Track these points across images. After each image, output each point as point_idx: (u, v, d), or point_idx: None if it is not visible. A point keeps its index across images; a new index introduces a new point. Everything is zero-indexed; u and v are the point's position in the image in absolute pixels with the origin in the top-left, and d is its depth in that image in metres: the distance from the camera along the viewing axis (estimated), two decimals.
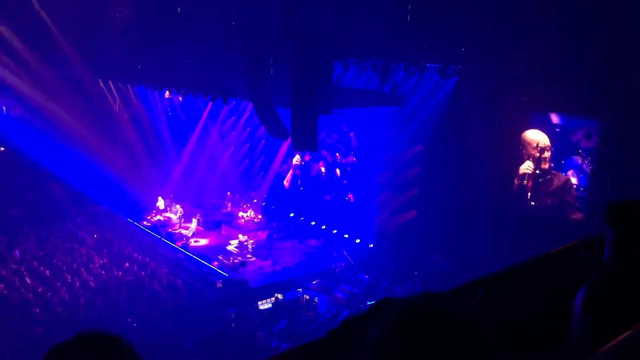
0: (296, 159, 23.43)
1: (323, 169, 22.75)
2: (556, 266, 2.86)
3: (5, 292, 16.17)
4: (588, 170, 15.55)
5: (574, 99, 14.55)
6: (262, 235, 21.83)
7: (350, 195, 21.76)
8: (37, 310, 15.49)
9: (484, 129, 16.20)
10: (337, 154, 22.17)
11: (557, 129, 16.21)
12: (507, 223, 16.45)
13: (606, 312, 1.73)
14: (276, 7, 14.31)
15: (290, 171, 24.19)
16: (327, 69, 14.85)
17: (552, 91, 14.90)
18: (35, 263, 18.00)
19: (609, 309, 1.74)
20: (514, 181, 17.03)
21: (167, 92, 23.97)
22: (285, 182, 24.52)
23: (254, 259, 19.83)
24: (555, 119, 16.26)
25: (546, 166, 16.33)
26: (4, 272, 17.21)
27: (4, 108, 23.29)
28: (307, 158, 23.25)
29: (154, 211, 23.79)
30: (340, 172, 22.19)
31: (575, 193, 15.87)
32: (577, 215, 15.82)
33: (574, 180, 15.80)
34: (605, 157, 14.93)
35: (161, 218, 23.38)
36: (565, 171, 16.00)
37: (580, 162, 15.68)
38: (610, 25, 12.74)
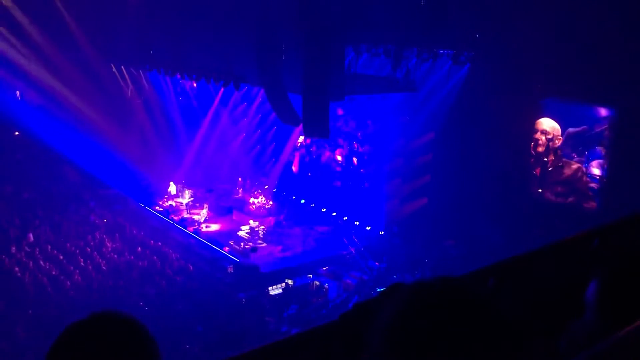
0: (301, 140, 23.44)
1: (339, 158, 22.63)
2: (569, 255, 2.84)
3: (20, 274, 16.39)
4: (601, 159, 15.37)
5: (589, 87, 14.35)
6: (272, 221, 21.92)
7: (367, 184, 21.74)
8: (51, 293, 15.71)
9: (496, 116, 16.07)
10: (354, 143, 22.02)
11: (570, 118, 16.03)
12: (518, 211, 16.36)
13: (619, 302, 1.72)
14: None
15: (297, 154, 24.26)
16: (339, 55, 14.77)
17: (566, 79, 14.71)
18: (49, 246, 18.22)
19: (622, 299, 1.73)
20: (525, 169, 16.90)
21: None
22: (294, 167, 24.57)
23: (264, 244, 19.93)
24: (568, 107, 16.07)
25: (558, 154, 16.18)
26: (18, 255, 17.45)
27: (18, 93, 23.44)
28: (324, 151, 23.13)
29: (166, 196, 23.91)
30: (357, 161, 22.08)
31: (588, 181, 15.72)
32: (591, 204, 15.69)
33: (596, 171, 15.61)
34: (619, 146, 14.76)
35: (173, 203, 23.50)
36: (581, 160, 15.83)
37: (594, 150, 15.51)
38: (629, 11, 12.52)
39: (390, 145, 20.01)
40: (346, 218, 21.41)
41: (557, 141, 16.17)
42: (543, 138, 16.44)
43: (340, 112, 21.40)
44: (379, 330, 1.11)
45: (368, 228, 20.58)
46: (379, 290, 15.92)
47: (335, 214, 21.94)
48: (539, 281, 2.66)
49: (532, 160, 16.75)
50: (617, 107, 14.75)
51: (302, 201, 23.61)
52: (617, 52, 13.01)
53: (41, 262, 17.17)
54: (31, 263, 17.07)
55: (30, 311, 14.76)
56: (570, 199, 16.05)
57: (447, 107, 17.97)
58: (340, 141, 22.35)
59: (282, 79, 15.45)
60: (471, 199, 16.91)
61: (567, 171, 16.01)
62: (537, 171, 16.66)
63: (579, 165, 15.80)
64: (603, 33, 13.05)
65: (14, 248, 17.71)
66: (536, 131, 16.55)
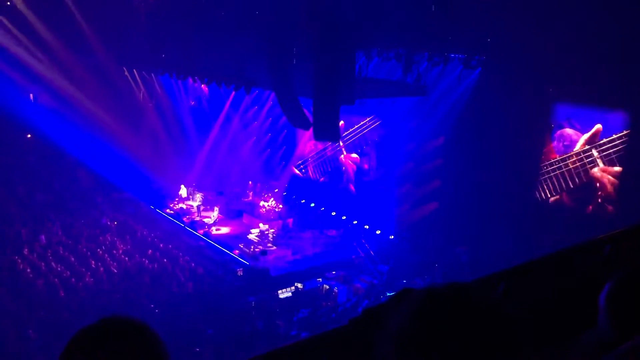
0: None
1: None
2: (580, 261, 2.83)
3: (31, 276, 16.51)
4: (615, 165, 15.24)
5: (601, 91, 14.26)
6: (286, 223, 21.98)
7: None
8: (63, 295, 15.80)
9: (508, 120, 16.00)
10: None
11: (583, 122, 15.92)
12: (530, 216, 16.27)
13: (632, 307, 1.71)
14: None
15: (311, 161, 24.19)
16: (350, 59, 14.77)
17: (578, 83, 14.62)
18: (61, 248, 18.34)
19: (634, 305, 1.72)
20: (537, 173, 16.80)
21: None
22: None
23: (274, 248, 19.97)
24: (581, 111, 15.97)
25: (572, 159, 16.08)
26: (30, 257, 17.58)
27: (32, 95, 23.67)
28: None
29: (177, 199, 24.05)
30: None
31: (602, 187, 15.59)
32: (603, 210, 15.55)
33: (608, 177, 15.48)
34: (634, 151, 14.62)
35: (183, 206, 23.63)
36: (589, 164, 15.70)
37: (607, 156, 15.37)
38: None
39: (401, 150, 19.98)
40: (356, 222, 21.39)
41: (572, 146, 16.07)
42: (558, 143, 16.34)
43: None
44: (390, 336, 1.11)
45: (378, 232, 20.54)
46: (388, 294, 15.90)
47: (345, 217, 21.92)
48: (550, 287, 2.65)
49: (545, 165, 16.65)
50: (632, 111, 14.63)
51: (312, 205, 23.62)
52: (632, 56, 12.90)
53: (53, 264, 17.29)
54: (43, 265, 17.19)
55: (41, 313, 14.85)
56: (583, 204, 15.92)
57: (458, 111, 17.93)
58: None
59: (293, 83, 15.48)
60: (482, 204, 16.83)
61: (581, 177, 15.88)
62: (550, 176, 16.55)
63: (592, 170, 15.67)
64: (617, 36, 12.96)
65: (26, 250, 17.85)
66: (550, 136, 16.46)
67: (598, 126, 15.41)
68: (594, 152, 15.55)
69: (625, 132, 14.83)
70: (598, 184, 15.54)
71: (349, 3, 13.71)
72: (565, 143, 16.23)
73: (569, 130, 16.17)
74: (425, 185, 19.36)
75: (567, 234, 13.95)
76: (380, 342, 1.13)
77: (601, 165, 15.44)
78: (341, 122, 19.29)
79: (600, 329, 1.80)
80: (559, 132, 16.38)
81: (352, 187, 22.77)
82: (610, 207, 15.42)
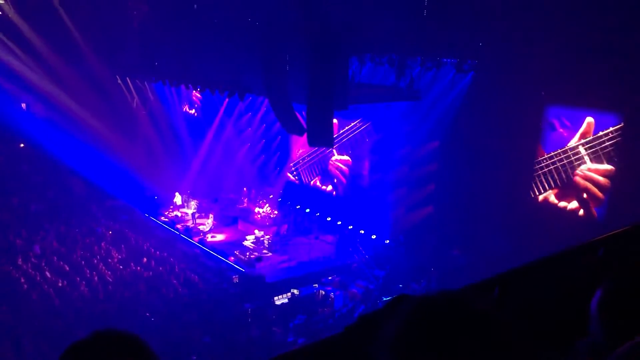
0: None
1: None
2: (574, 264, 2.83)
3: (26, 286, 16.42)
4: (608, 166, 15.30)
5: (593, 94, 14.34)
6: (279, 230, 21.93)
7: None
8: (57, 304, 15.71)
9: (501, 124, 16.06)
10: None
11: (575, 122, 15.98)
12: (525, 219, 16.30)
13: (624, 313, 1.71)
14: (293, 2, 14.32)
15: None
16: (343, 64, 14.82)
17: (571, 85, 14.70)
18: (55, 258, 18.26)
19: (627, 310, 1.71)
20: (531, 176, 16.85)
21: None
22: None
23: (270, 254, 19.92)
24: (573, 114, 16.03)
25: (559, 156, 16.12)
26: (25, 267, 17.49)
27: (24, 105, 23.61)
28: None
29: (171, 207, 24.00)
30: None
31: (596, 190, 15.64)
32: (598, 213, 15.60)
33: (594, 177, 15.54)
34: (624, 153, 14.70)
35: (178, 214, 23.57)
36: (577, 162, 15.75)
37: (599, 157, 15.43)
38: (633, 17, 12.52)
39: (396, 154, 20.00)
40: (351, 227, 21.38)
41: (565, 148, 16.12)
42: (550, 144, 16.40)
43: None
44: (385, 344, 1.11)
45: (373, 237, 20.53)
46: (384, 299, 15.89)
47: (340, 222, 21.91)
48: (545, 290, 2.65)
49: (539, 167, 16.71)
50: (623, 113, 14.71)
51: (307, 210, 23.60)
52: (623, 58, 12.99)
53: (47, 274, 17.21)
54: (38, 274, 17.11)
55: (36, 322, 14.77)
56: (578, 207, 15.97)
57: (451, 115, 17.98)
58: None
59: (286, 89, 15.50)
60: (477, 207, 16.87)
61: (575, 179, 15.93)
62: (544, 179, 16.60)
63: (586, 173, 15.71)
64: (608, 38, 13.04)
65: (20, 259, 17.77)
66: (543, 137, 16.52)
67: (589, 119, 15.41)
68: (581, 149, 15.60)
69: (612, 128, 14.84)
70: (583, 183, 15.52)
71: (342, 9, 13.75)
72: (557, 143, 16.27)
73: (561, 131, 16.22)
74: (420, 189, 19.39)
75: (561, 235, 13.98)
76: (375, 350, 1.14)
77: (588, 162, 15.47)
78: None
79: (592, 336, 1.79)
80: (551, 133, 16.43)
81: (340, 190, 22.70)
82: (599, 207, 15.45)
